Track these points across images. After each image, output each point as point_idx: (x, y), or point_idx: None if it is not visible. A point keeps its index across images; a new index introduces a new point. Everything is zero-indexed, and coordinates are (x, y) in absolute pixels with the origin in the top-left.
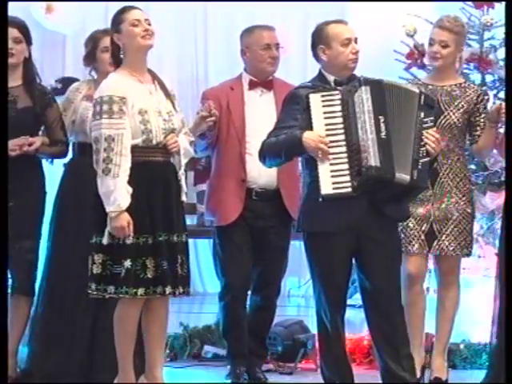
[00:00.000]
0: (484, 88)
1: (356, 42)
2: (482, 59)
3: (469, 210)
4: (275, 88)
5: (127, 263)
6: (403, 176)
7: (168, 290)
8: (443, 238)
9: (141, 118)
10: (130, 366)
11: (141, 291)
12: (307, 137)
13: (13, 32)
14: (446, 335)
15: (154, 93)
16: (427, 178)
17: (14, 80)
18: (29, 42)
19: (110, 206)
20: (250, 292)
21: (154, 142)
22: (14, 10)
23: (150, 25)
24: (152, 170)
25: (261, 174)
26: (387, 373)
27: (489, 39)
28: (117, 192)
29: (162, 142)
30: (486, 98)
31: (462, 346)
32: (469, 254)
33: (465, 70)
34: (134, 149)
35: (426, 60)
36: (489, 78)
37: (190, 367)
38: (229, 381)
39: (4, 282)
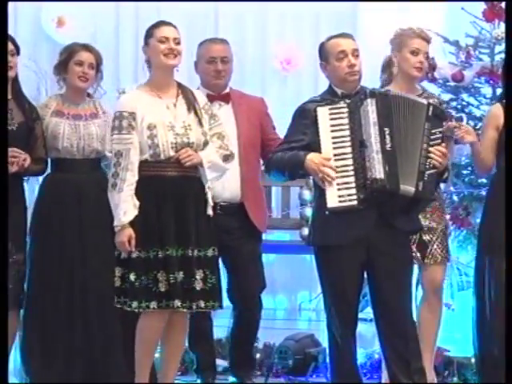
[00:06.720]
0: (493, 102)
1: (355, 55)
2: (492, 73)
3: (444, 218)
4: (233, 100)
5: (132, 277)
6: (408, 188)
7: (176, 303)
8: (435, 246)
9: (149, 133)
10: (146, 375)
11: (153, 304)
12: (309, 159)
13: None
14: (435, 342)
15: (171, 107)
16: (434, 190)
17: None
18: (18, 53)
19: (115, 221)
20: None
21: (162, 156)
22: (24, 24)
23: (178, 44)
24: (162, 184)
25: (225, 188)
26: None
27: (500, 53)
28: (120, 207)
29: (174, 156)
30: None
31: (473, 360)
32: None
33: (476, 84)
34: (144, 163)
35: (436, 73)
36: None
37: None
38: None
39: (4, 283)
